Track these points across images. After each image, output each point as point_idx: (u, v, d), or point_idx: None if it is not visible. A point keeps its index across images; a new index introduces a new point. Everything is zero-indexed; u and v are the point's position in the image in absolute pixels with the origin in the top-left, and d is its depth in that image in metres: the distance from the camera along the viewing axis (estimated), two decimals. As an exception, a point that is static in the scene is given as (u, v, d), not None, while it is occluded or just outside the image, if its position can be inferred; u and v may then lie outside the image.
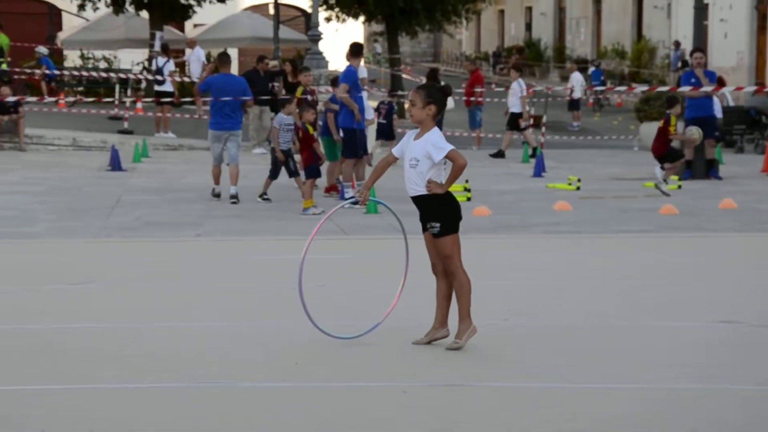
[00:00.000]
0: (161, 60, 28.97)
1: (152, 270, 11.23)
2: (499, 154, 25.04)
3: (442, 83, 16.86)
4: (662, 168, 17.81)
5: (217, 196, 16.98)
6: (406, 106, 26.06)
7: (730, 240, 13.61)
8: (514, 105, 25.28)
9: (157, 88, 28.81)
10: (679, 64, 43.12)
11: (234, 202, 16.60)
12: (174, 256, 12.29)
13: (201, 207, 16.39)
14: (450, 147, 7.73)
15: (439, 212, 7.76)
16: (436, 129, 7.84)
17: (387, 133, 21.18)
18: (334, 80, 18.06)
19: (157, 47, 29.80)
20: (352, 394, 6.78)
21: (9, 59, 35.09)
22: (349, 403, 6.59)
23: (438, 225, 7.76)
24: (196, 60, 29.74)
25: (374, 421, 6.26)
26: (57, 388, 6.86)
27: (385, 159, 7.98)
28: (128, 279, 10.67)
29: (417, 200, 7.84)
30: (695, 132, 18.56)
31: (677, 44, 44.23)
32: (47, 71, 33.15)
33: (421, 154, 7.72)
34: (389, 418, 6.27)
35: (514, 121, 25.26)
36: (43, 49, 33.88)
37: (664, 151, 17.91)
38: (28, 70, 33.72)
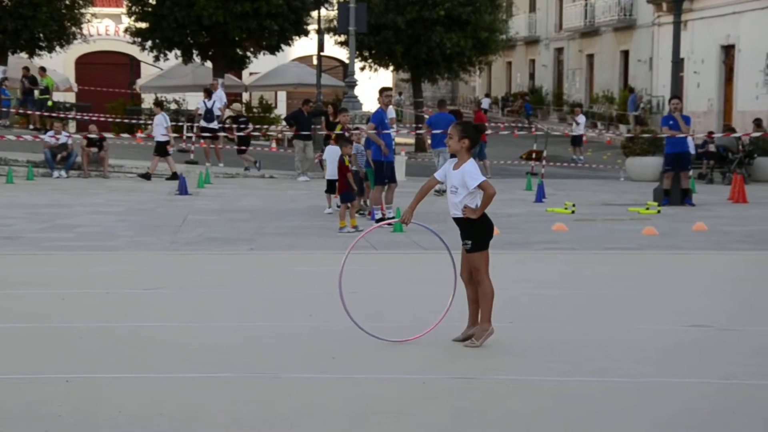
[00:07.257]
0: (208, 102, 29.14)
1: (212, 278, 11.23)
2: (146, 176, 25.55)
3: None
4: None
5: None
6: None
7: (701, 257, 13.49)
8: (159, 135, 25.66)
9: (203, 124, 28.88)
10: (636, 107, 43.00)
11: None
12: (230, 267, 12.29)
13: (254, 225, 16.41)
14: (483, 178, 7.73)
15: (472, 232, 7.78)
16: (471, 161, 7.82)
17: None
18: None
19: (220, 92, 29.91)
20: (380, 384, 6.74)
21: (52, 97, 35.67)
22: (378, 391, 6.55)
23: (470, 242, 7.78)
24: (218, 100, 29.95)
25: (398, 407, 6.21)
26: (131, 377, 6.85)
27: (428, 183, 7.96)
28: (192, 285, 10.68)
29: (456, 221, 7.87)
30: None
31: (631, 90, 44.04)
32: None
33: (459, 183, 7.75)
34: (411, 405, 6.23)
35: (161, 149, 25.67)
36: None
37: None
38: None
